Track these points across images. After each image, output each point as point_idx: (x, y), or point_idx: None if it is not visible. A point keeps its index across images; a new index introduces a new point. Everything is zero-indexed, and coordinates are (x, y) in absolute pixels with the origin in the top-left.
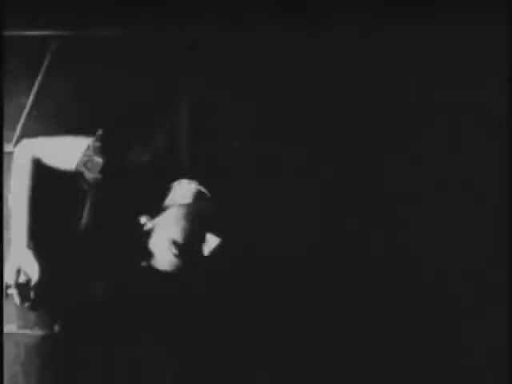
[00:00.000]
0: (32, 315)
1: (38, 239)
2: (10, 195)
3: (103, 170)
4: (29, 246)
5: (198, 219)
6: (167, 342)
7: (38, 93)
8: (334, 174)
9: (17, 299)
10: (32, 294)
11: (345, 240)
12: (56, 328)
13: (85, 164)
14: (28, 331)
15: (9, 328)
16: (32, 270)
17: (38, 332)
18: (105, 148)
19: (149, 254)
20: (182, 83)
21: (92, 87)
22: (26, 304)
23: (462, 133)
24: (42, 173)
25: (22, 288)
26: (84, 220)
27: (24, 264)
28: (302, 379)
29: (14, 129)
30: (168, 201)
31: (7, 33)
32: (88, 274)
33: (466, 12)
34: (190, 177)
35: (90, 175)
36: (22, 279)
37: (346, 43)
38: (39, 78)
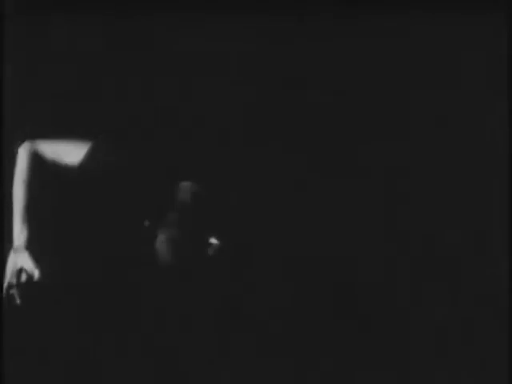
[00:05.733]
0: None
1: (38, 238)
2: (13, 195)
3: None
4: (29, 246)
5: (199, 221)
6: (165, 340)
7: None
8: (334, 172)
9: (18, 299)
10: (33, 294)
11: (344, 238)
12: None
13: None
14: None
15: None
16: (33, 269)
17: None
18: (105, 151)
19: (151, 256)
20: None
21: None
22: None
23: (462, 131)
24: (42, 170)
25: (24, 287)
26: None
27: (25, 263)
28: (302, 379)
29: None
30: (169, 203)
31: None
32: (89, 274)
33: (466, 11)
34: (191, 178)
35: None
36: (23, 279)
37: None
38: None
